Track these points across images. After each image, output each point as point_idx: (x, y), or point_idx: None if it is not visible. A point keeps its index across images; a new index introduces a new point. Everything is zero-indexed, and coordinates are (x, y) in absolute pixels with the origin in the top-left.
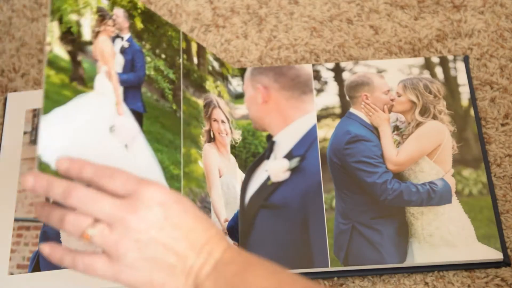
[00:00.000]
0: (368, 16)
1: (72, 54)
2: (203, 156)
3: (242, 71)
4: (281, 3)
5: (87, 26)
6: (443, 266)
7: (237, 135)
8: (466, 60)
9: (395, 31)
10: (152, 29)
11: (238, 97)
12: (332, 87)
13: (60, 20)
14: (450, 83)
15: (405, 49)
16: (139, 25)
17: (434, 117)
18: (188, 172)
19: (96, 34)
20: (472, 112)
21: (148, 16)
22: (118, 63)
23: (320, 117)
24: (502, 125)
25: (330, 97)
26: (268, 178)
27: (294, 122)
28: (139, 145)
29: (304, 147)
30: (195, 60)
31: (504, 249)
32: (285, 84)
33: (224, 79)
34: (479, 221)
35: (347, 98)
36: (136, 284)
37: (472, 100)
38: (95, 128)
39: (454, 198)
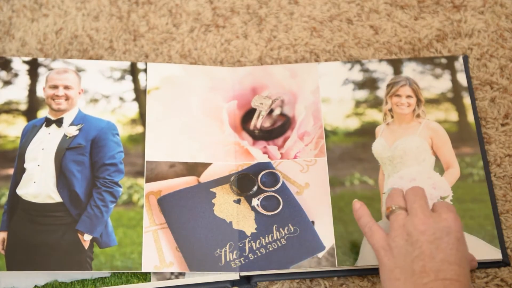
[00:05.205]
0: (368, 16)
1: None
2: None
3: None
4: (281, 3)
5: None
6: None
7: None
8: (465, 60)
9: (395, 31)
10: None
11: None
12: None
13: None
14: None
15: (405, 49)
16: None
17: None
18: None
19: None
20: (471, 112)
21: None
22: None
23: None
24: (502, 125)
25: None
26: None
27: None
28: None
29: None
30: None
31: (503, 249)
32: None
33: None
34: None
35: None
36: (379, 256)
37: (472, 100)
38: None
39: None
